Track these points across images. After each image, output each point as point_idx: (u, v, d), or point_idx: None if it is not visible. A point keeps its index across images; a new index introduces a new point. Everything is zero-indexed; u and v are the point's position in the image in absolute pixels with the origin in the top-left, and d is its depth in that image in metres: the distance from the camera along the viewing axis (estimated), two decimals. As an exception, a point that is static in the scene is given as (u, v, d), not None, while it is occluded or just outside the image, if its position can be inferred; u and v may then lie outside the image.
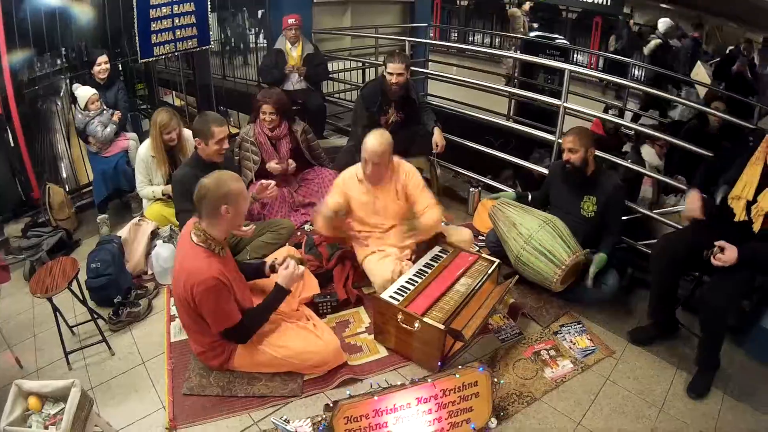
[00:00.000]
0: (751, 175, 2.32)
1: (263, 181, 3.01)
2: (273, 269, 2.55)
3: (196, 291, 2.13)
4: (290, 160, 3.86)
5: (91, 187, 4.13)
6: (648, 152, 3.94)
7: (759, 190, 2.29)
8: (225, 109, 6.03)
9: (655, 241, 2.93)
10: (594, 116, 4.37)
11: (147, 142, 3.49)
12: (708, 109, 3.84)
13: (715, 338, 2.44)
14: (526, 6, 11.20)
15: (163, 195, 3.50)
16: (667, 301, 2.74)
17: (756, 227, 2.30)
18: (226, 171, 2.33)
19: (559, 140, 3.61)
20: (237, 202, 2.20)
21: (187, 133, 3.54)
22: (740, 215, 2.34)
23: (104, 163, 3.85)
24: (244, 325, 2.27)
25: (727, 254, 2.26)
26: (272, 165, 3.76)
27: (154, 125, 3.36)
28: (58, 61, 4.52)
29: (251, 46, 6.96)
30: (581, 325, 2.88)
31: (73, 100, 3.96)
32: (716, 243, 2.30)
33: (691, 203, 2.49)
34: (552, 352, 2.69)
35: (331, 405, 1.99)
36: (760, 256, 2.28)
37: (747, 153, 2.36)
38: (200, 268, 2.14)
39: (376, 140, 2.83)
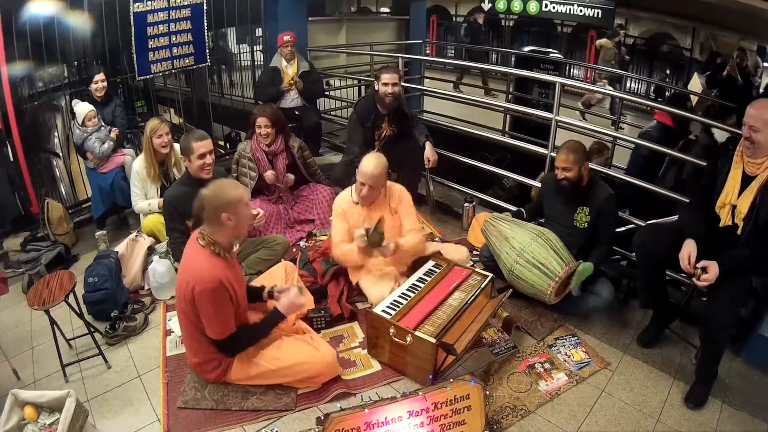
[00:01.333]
0: (733, 181, 2.35)
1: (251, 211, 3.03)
2: (270, 295, 2.55)
3: (197, 290, 2.13)
4: (289, 174, 3.89)
5: (89, 203, 4.17)
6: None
7: (740, 194, 2.31)
8: (237, 133, 6.07)
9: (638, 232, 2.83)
10: (587, 129, 4.42)
11: (141, 155, 3.55)
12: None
13: (716, 353, 2.44)
14: (619, 38, 9.47)
15: (159, 208, 3.52)
16: (656, 288, 2.75)
17: (739, 231, 2.33)
18: (225, 179, 2.36)
19: (552, 154, 3.65)
20: (237, 209, 2.21)
21: (178, 147, 3.59)
22: (725, 220, 2.37)
23: (101, 179, 3.89)
24: (237, 337, 2.28)
25: (710, 273, 2.27)
26: (268, 173, 3.80)
27: (146, 134, 3.43)
28: (58, 77, 4.57)
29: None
30: (576, 338, 2.88)
31: (73, 115, 4.00)
32: (698, 264, 2.31)
33: (687, 257, 2.38)
34: (546, 365, 2.69)
35: (323, 418, 2.00)
36: (740, 263, 2.29)
37: (729, 162, 2.38)
38: (205, 268, 2.16)
39: (371, 163, 2.87)
